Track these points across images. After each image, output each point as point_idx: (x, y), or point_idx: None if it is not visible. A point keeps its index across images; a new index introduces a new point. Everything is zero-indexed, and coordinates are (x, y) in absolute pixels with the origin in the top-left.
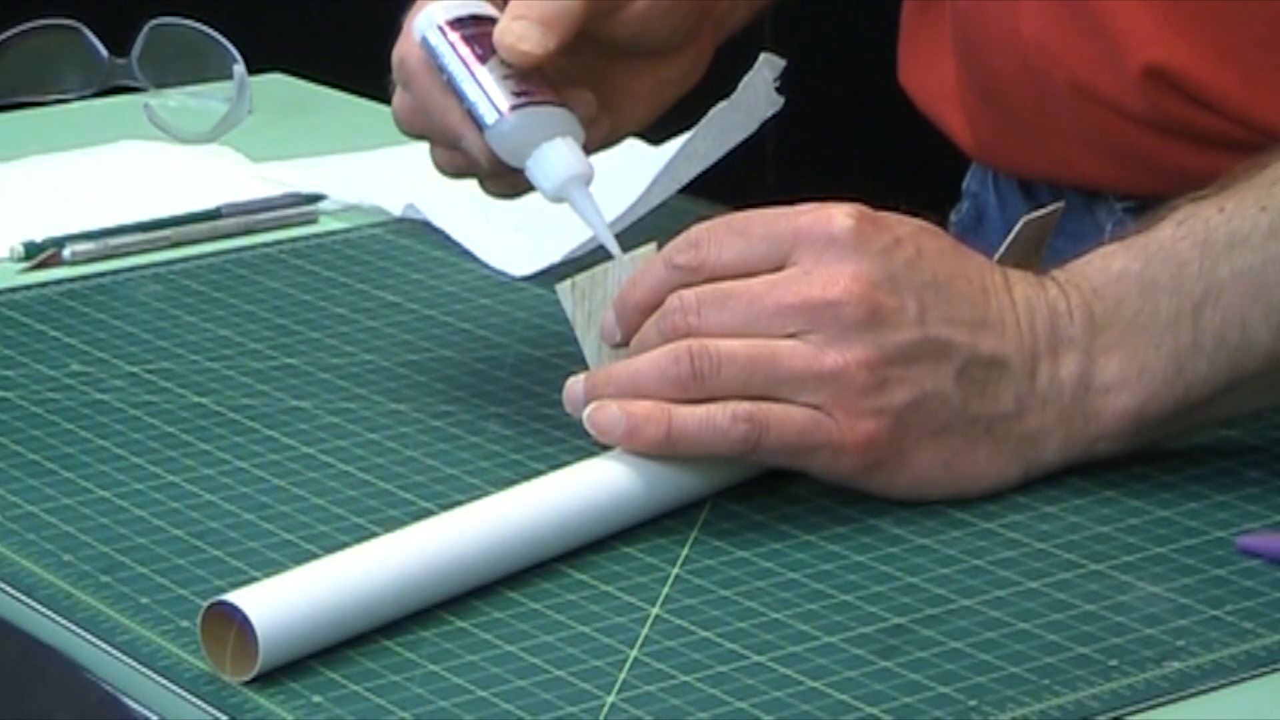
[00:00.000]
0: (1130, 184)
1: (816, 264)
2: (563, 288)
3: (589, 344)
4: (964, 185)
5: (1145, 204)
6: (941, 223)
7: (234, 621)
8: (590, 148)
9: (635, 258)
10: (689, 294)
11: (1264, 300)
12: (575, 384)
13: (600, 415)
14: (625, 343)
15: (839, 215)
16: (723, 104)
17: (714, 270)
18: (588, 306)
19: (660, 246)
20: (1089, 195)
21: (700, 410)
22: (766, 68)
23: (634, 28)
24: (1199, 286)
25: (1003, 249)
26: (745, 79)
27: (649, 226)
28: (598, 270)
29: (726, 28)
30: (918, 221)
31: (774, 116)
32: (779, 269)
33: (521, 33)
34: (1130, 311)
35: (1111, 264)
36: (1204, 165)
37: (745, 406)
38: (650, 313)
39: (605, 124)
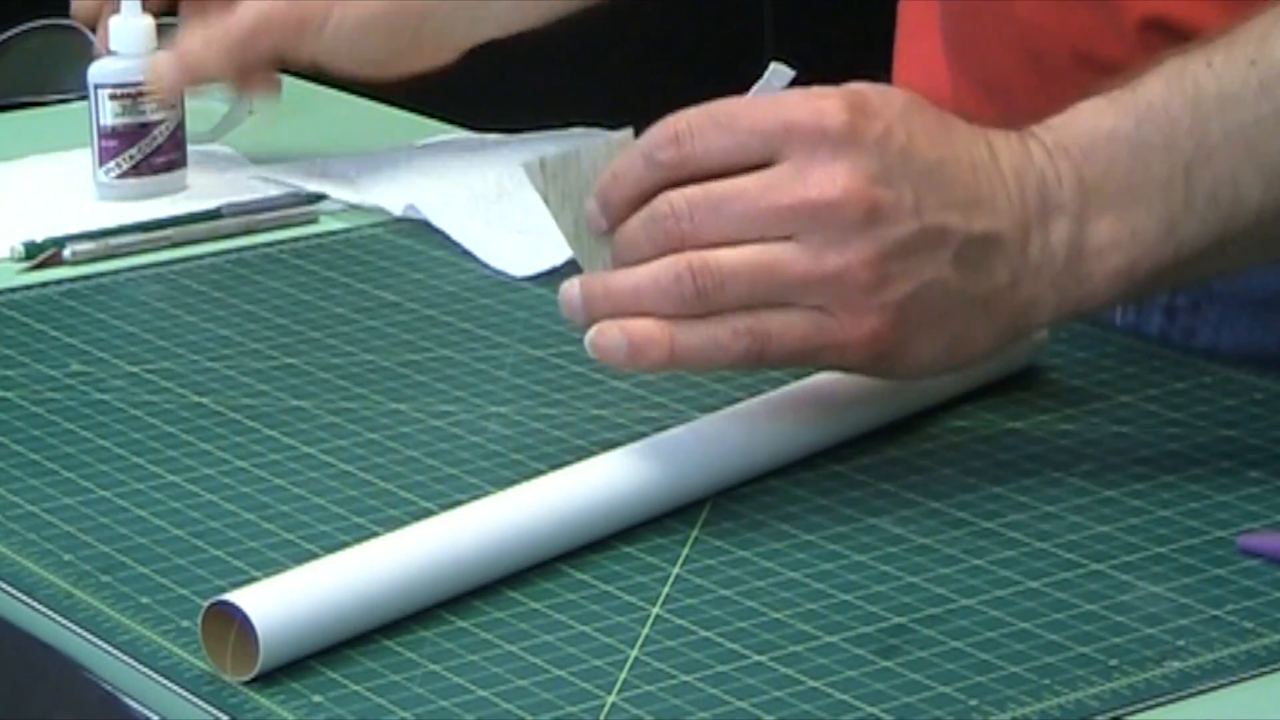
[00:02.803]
0: None
1: (809, 161)
2: (530, 166)
3: (564, 224)
4: None
5: None
6: None
7: (234, 621)
8: None
9: (611, 143)
10: (679, 199)
11: (1255, 158)
12: (572, 288)
13: (602, 340)
14: (611, 232)
15: (830, 109)
16: None
17: (699, 168)
18: (560, 187)
19: (637, 134)
20: None
21: (702, 329)
22: (775, 78)
23: (322, 58)
24: (1190, 145)
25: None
26: (754, 89)
27: None
28: (569, 152)
29: (479, 35)
30: (903, 96)
31: None
32: (767, 164)
33: (161, 73)
34: (1122, 173)
35: (1100, 123)
36: None
37: (746, 321)
38: (635, 206)
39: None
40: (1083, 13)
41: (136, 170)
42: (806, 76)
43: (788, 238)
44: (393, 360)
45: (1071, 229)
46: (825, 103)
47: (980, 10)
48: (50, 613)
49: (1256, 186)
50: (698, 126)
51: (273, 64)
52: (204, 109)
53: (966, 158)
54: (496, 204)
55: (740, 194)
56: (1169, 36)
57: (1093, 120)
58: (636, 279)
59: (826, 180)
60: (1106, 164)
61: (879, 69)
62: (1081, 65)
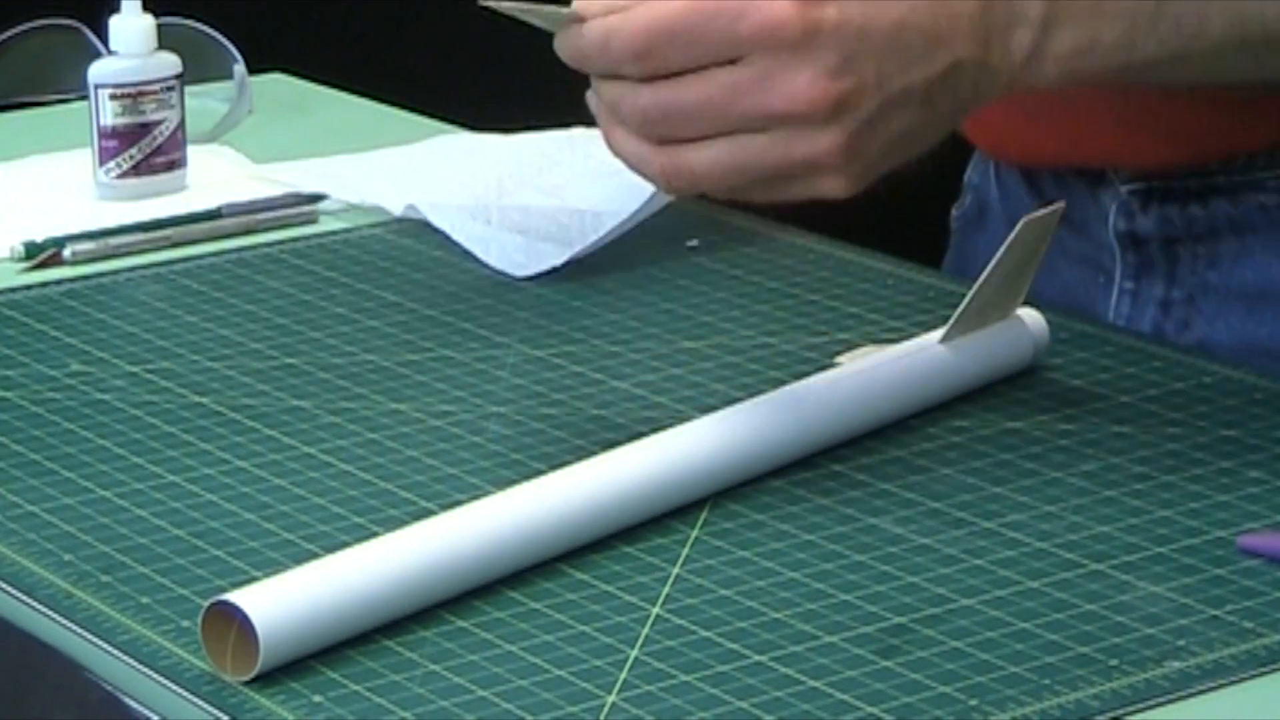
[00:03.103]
0: (1137, 154)
1: (771, 68)
2: None
3: (535, 17)
4: (965, 179)
5: (1150, 184)
6: (943, 219)
7: (234, 621)
8: None
9: None
10: (652, 109)
11: None
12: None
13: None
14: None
15: (783, 12)
16: None
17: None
18: None
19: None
20: (1093, 179)
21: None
22: None
23: None
24: None
25: (1002, 251)
26: None
27: (650, 226)
28: None
29: None
30: None
31: None
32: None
33: None
34: None
35: None
36: (1215, 124)
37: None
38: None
39: None
40: None
41: (136, 170)
42: None
43: (760, 130)
44: (393, 360)
45: (1034, 36)
46: (778, 6)
47: None
48: (50, 613)
49: (1221, 21)
50: (660, 45)
51: None
52: (204, 109)
53: (929, 12)
54: (496, 204)
55: (708, 102)
56: None
57: None
58: (624, 152)
59: (789, 88)
60: None
61: None
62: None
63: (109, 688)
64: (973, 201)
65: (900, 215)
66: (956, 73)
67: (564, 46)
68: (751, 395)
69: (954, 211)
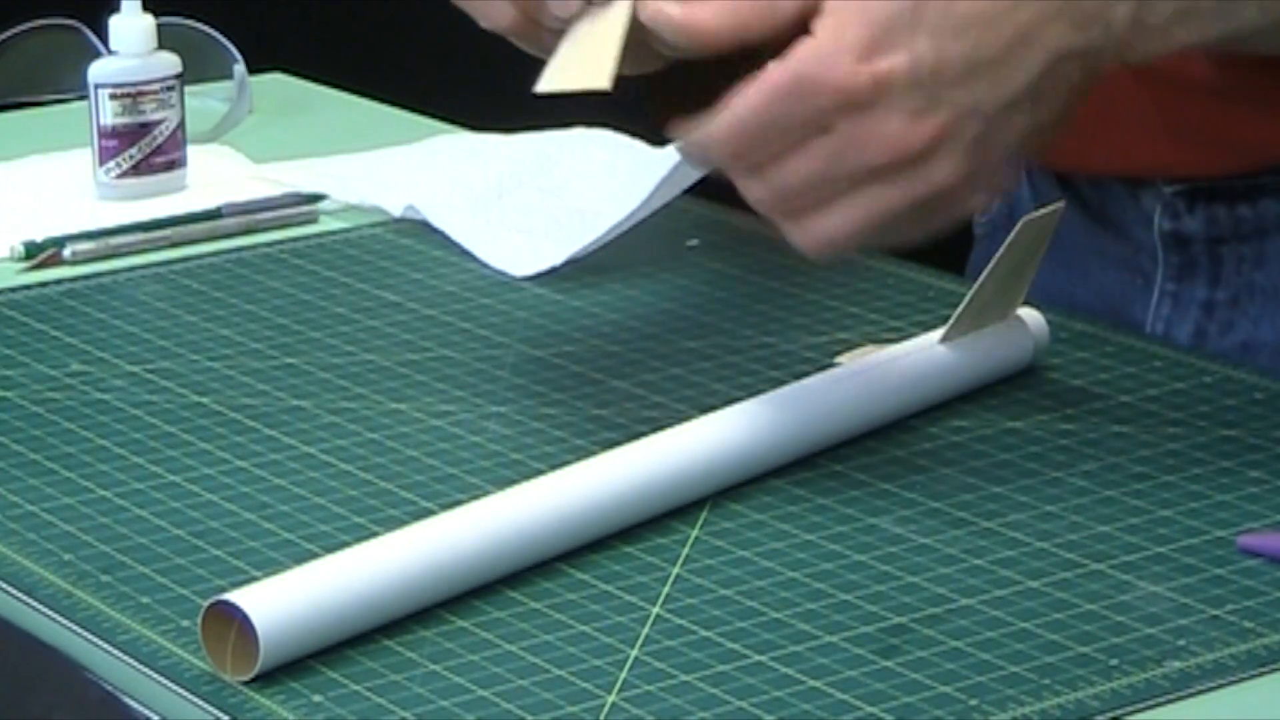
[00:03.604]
0: (1187, 164)
1: (858, 130)
2: None
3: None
4: None
5: (1195, 186)
6: (967, 225)
7: (234, 621)
8: None
9: None
10: (767, 196)
11: None
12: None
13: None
14: None
15: (848, 74)
16: None
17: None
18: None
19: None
20: (1134, 181)
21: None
22: None
23: None
24: None
25: (1001, 251)
26: None
27: (650, 226)
28: None
29: None
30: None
31: None
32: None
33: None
34: None
35: None
36: (1266, 133)
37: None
38: None
39: None
40: None
41: (136, 170)
42: None
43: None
44: (393, 360)
45: (1132, 8)
46: (841, 70)
47: None
48: (50, 613)
49: None
50: (751, 143)
51: None
52: (204, 109)
53: (999, 18)
54: (496, 204)
55: (815, 174)
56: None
57: None
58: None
59: (883, 141)
60: None
61: None
62: (1142, 79)
63: (109, 688)
64: (1000, 206)
65: None
66: (1060, 65)
67: (689, 159)
68: (751, 395)
69: (980, 217)
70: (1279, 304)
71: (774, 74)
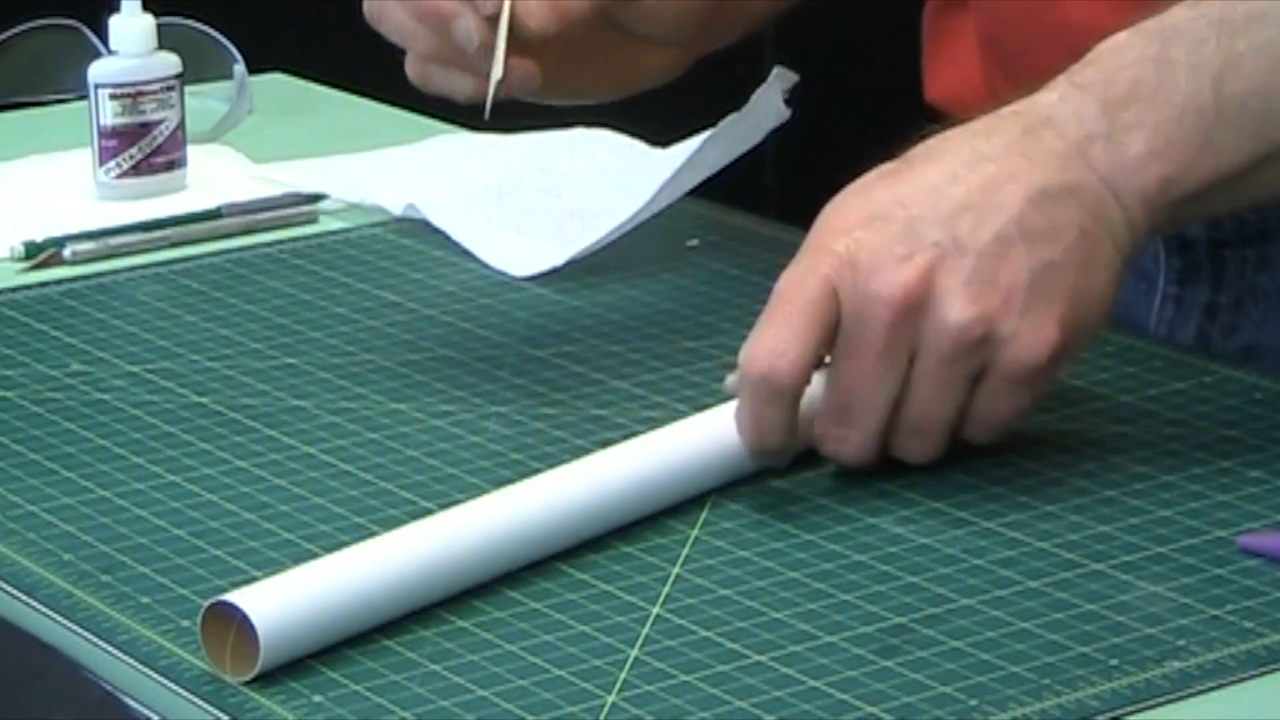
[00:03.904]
0: None
1: (858, 299)
2: None
3: None
4: None
5: None
6: None
7: (234, 621)
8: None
9: None
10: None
11: None
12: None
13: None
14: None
15: (836, 245)
16: (733, 115)
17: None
18: None
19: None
20: None
21: None
22: (779, 81)
23: (641, 18)
24: (1217, 60)
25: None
26: (758, 91)
27: (650, 226)
28: None
29: (716, 42)
30: (857, 215)
31: None
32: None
33: (533, 10)
34: (1148, 89)
35: (1125, 53)
36: None
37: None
38: None
39: (560, 87)
40: (1138, 17)
41: (136, 170)
42: (807, 77)
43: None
44: (393, 360)
45: (1107, 149)
46: (820, 249)
47: (1027, 15)
48: (50, 613)
49: None
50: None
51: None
52: (204, 109)
53: (964, 167)
54: (496, 204)
55: (853, 377)
56: None
57: (1114, 52)
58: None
59: (880, 295)
60: (1131, 84)
61: (877, 70)
62: None
63: (109, 688)
64: None
65: None
66: (1042, 202)
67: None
68: None
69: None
70: None
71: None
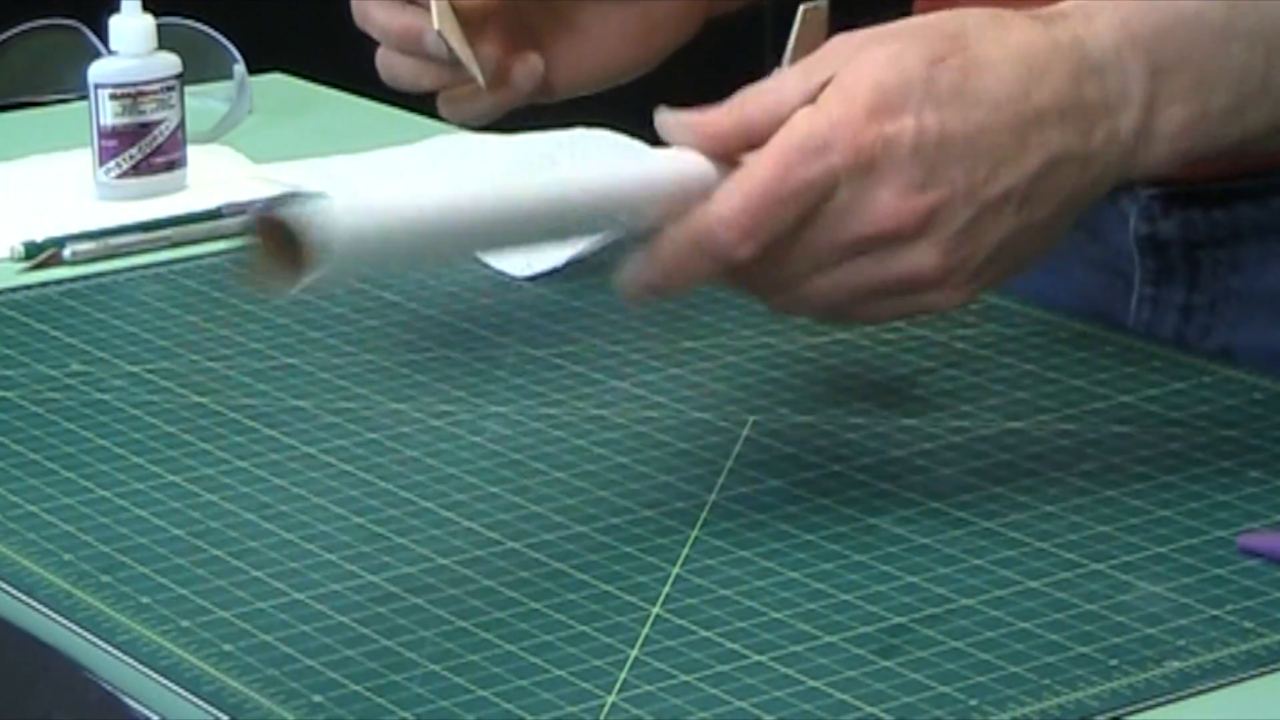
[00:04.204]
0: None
1: (857, 194)
2: None
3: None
4: None
5: (1171, 190)
6: None
7: (285, 232)
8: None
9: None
10: (762, 284)
11: None
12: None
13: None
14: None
15: (854, 132)
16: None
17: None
18: None
19: None
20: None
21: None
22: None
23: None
24: (1277, 32)
25: (791, 47)
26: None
27: None
28: None
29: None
30: (922, 61)
31: None
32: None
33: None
34: (1199, 60)
35: (1185, 5)
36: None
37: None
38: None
39: (578, 75)
40: None
41: (136, 170)
42: None
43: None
44: (393, 360)
45: (1140, 117)
46: (852, 128)
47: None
48: (50, 613)
49: None
50: (769, 211)
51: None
52: (204, 109)
53: (1009, 104)
54: None
55: (807, 244)
56: None
57: (1177, 9)
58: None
59: (873, 212)
60: (1183, 48)
61: None
62: None
63: (109, 688)
64: None
65: None
66: (1055, 168)
67: (654, 265)
68: (751, 395)
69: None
70: (1256, 309)
71: (782, 140)
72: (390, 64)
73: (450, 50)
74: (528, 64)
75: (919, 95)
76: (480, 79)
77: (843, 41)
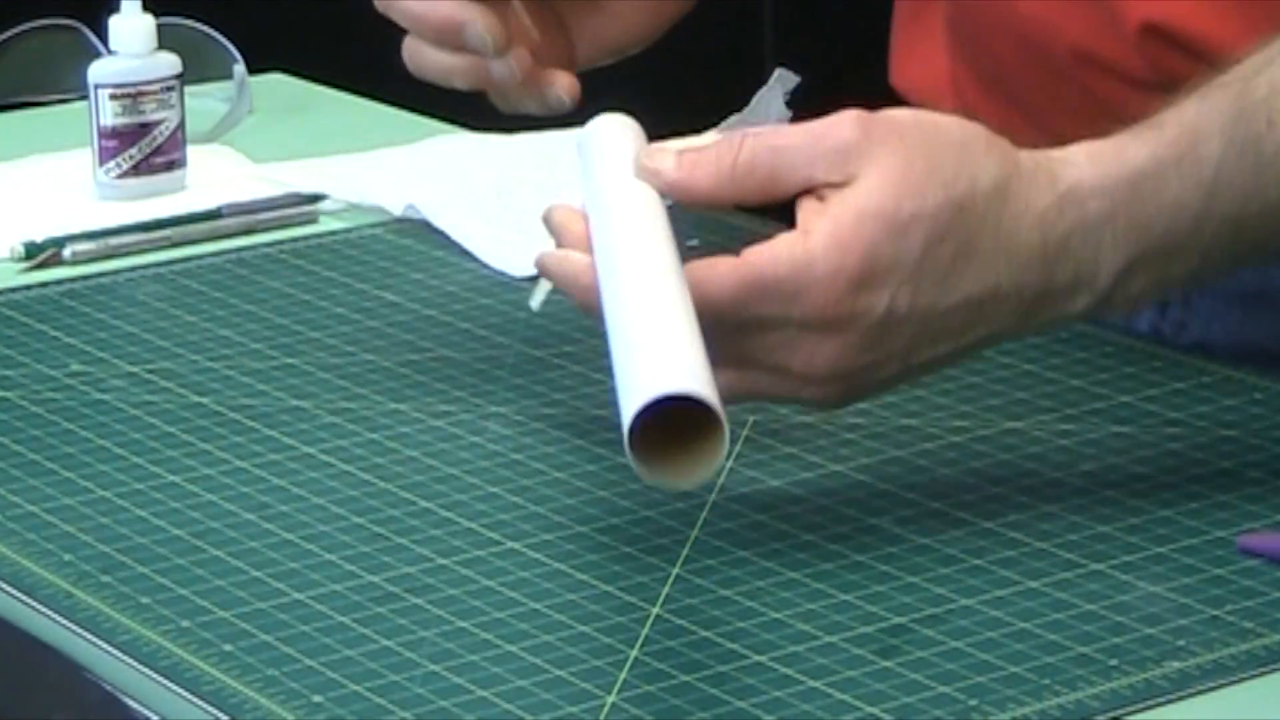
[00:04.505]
0: None
1: (804, 336)
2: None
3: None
4: None
5: None
6: None
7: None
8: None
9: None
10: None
11: None
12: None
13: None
14: None
15: (834, 288)
16: (735, 117)
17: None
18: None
19: None
20: None
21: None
22: (781, 83)
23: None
24: (1254, 210)
25: (753, 103)
26: (760, 93)
27: None
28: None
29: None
30: (925, 229)
31: None
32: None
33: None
34: (1172, 242)
35: (1165, 194)
36: None
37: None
38: None
39: (598, 45)
40: (1083, 13)
41: (136, 170)
42: (808, 77)
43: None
44: (393, 360)
45: (1097, 301)
46: (833, 294)
47: (981, 7)
48: (50, 613)
49: None
50: (714, 316)
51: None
52: (204, 109)
53: (977, 294)
54: (496, 204)
55: (740, 352)
56: (1169, 44)
57: (1159, 190)
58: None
59: (811, 359)
60: (1161, 236)
61: (879, 70)
62: (1082, 64)
63: (109, 688)
64: None
65: None
66: (990, 340)
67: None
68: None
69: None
70: (1230, 305)
71: (757, 269)
72: (418, 55)
73: (503, 35)
74: (562, 83)
75: (905, 274)
76: (517, 74)
77: (875, 131)
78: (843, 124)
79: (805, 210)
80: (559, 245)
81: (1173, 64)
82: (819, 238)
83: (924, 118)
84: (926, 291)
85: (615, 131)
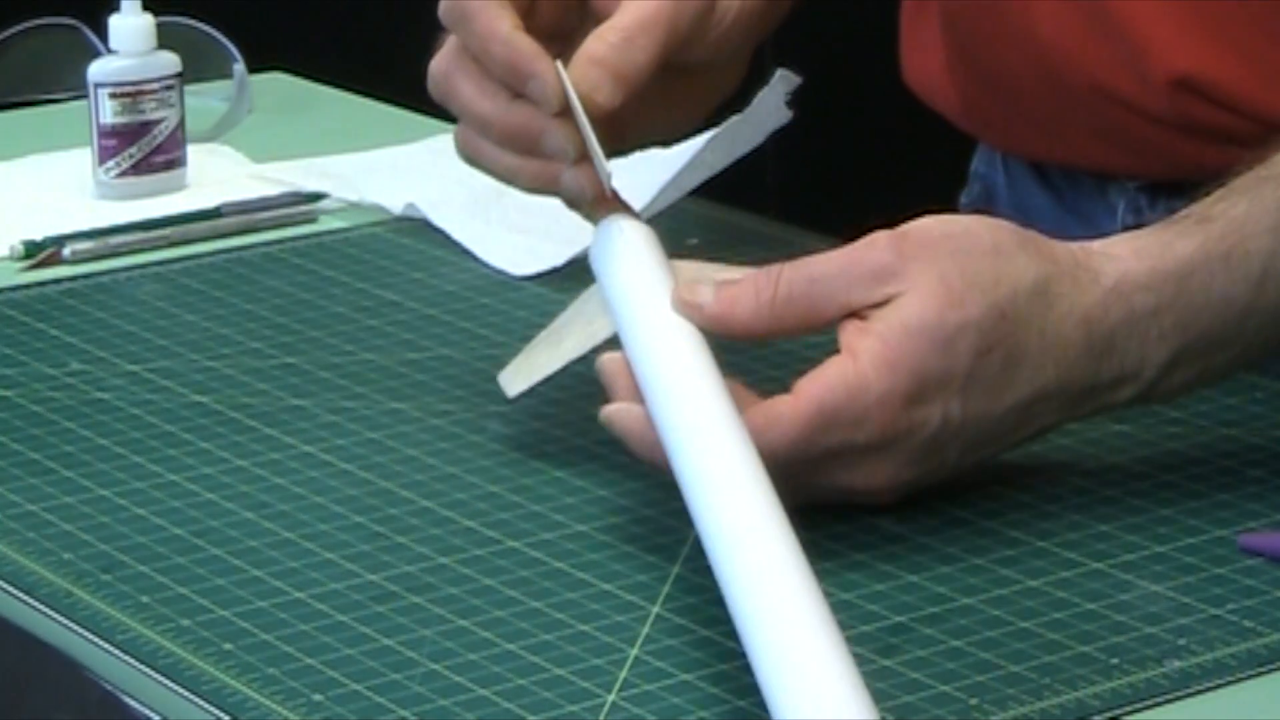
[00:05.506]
0: (1145, 171)
1: (863, 453)
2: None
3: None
4: (971, 168)
5: (1157, 183)
6: (951, 208)
7: None
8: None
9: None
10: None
11: None
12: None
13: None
14: None
15: (887, 407)
16: (735, 117)
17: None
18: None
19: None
20: (1101, 177)
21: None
22: (781, 84)
23: (705, 54)
24: None
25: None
26: (760, 94)
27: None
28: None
29: (772, 28)
30: (975, 342)
31: None
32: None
33: (596, 82)
34: (1218, 336)
35: (1212, 287)
36: (1222, 158)
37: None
38: None
39: (646, 133)
40: (1105, 50)
41: (136, 169)
42: (809, 77)
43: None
44: (393, 360)
45: (1143, 391)
46: (886, 411)
47: (993, 16)
48: (50, 612)
49: None
50: (781, 461)
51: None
52: (204, 108)
53: (1028, 396)
54: (496, 204)
55: (792, 469)
56: (1197, 96)
57: (1207, 286)
58: None
59: (872, 476)
60: (1205, 331)
61: (880, 70)
62: (1100, 98)
63: (109, 687)
64: (980, 189)
65: (907, 204)
66: (1032, 437)
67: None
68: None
69: (962, 200)
70: None
71: (818, 403)
72: (476, 148)
73: (581, 144)
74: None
75: (956, 386)
76: (606, 168)
77: (908, 248)
78: (875, 246)
79: (848, 332)
80: (613, 399)
81: (1200, 113)
82: (868, 359)
83: (952, 227)
84: (977, 400)
85: (636, 245)
